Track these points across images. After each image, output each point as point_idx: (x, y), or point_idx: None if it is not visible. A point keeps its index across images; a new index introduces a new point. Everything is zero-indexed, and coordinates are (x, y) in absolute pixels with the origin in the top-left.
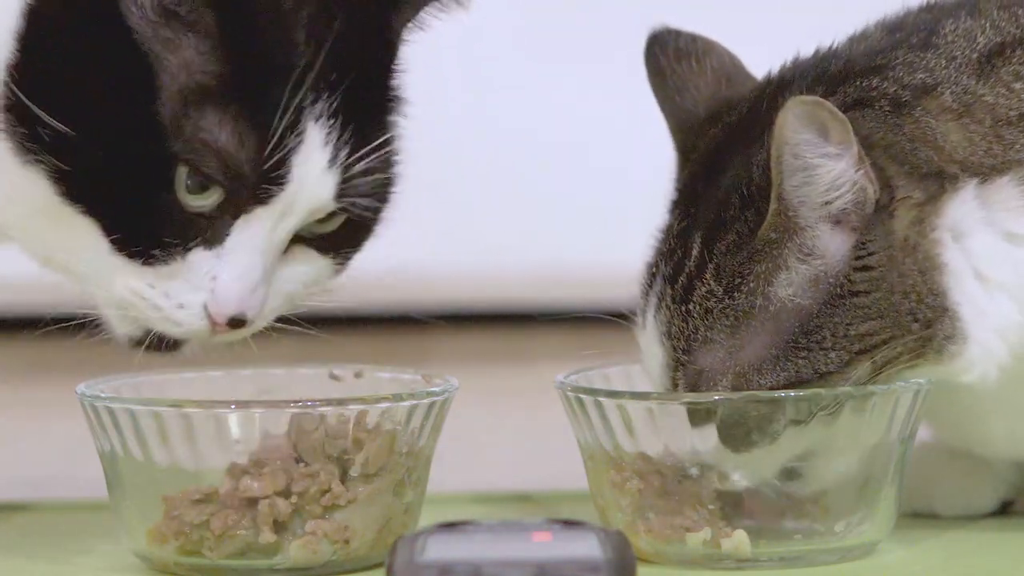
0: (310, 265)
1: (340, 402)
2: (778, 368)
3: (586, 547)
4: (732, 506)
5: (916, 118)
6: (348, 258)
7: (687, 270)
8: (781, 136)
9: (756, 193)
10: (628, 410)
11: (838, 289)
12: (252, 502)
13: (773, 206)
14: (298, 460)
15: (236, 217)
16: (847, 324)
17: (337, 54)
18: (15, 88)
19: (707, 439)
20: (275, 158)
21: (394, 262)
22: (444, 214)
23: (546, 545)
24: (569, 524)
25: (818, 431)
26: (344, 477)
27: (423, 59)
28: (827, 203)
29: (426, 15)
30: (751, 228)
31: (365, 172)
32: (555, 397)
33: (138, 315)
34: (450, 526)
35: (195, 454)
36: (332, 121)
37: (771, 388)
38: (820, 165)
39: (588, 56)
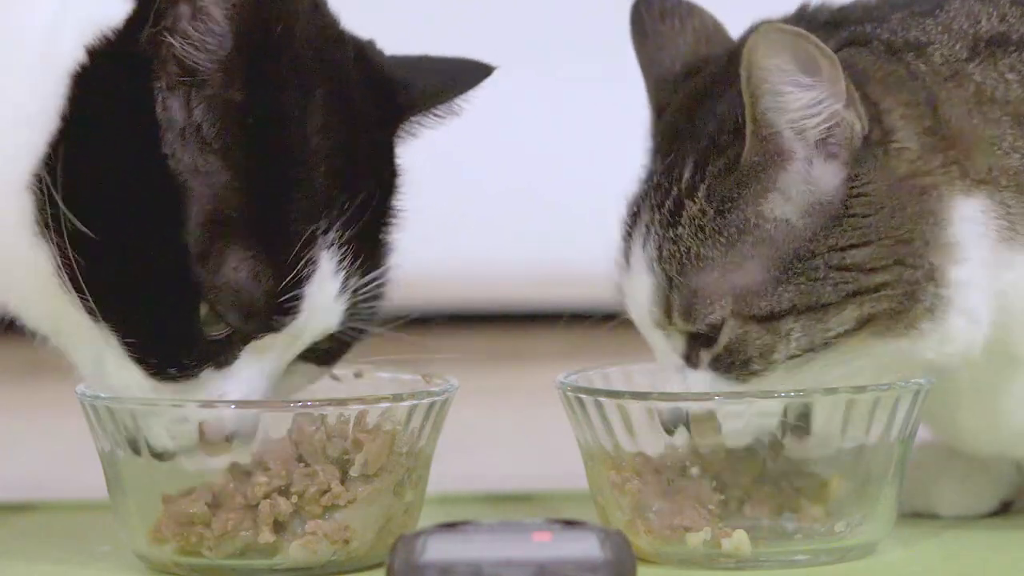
0: (307, 377)
1: (340, 402)
2: (779, 291)
3: (586, 547)
4: (732, 506)
5: (908, 63)
6: (337, 362)
7: (675, 193)
8: (751, 59)
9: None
10: (628, 410)
11: (833, 211)
12: (252, 502)
13: (750, 127)
14: (298, 460)
15: (246, 343)
16: (841, 250)
17: (348, 181)
18: (49, 175)
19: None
20: (290, 293)
21: (393, 262)
22: (444, 214)
23: (546, 545)
24: (569, 524)
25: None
26: (344, 477)
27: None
28: (805, 130)
29: (420, 125)
30: (741, 153)
31: (368, 298)
32: (555, 397)
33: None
34: (450, 526)
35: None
36: (343, 249)
37: (771, 312)
38: (790, 92)
39: (588, 59)
